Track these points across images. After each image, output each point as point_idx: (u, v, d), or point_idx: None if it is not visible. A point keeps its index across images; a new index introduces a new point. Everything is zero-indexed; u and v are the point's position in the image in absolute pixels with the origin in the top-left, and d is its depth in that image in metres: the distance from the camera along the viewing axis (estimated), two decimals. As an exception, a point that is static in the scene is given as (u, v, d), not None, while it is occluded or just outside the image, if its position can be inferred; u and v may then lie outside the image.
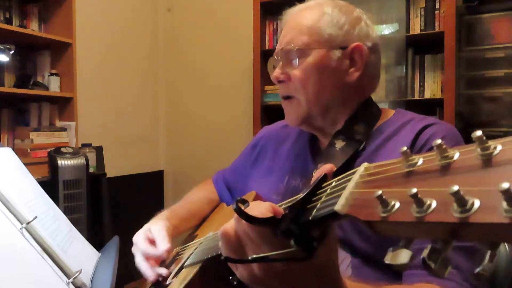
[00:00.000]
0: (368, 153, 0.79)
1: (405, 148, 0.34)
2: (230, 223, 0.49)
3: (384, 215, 0.31)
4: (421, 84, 2.29)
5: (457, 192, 0.26)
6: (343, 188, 0.38)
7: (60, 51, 2.49)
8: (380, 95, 2.25)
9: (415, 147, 0.75)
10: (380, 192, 0.31)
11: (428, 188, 0.29)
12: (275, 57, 0.87)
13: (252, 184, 0.97)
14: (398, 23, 2.27)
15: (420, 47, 2.29)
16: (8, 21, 2.34)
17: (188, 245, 0.95)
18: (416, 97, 2.29)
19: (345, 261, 0.72)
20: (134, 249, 0.92)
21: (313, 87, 0.82)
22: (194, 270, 0.74)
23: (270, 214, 0.43)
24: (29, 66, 2.53)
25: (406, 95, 2.29)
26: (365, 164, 0.39)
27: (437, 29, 2.19)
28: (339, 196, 0.37)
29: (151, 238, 0.91)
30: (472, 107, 2.19)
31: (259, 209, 0.45)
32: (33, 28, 2.46)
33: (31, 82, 2.39)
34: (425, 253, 0.30)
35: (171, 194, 3.33)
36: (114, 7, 2.98)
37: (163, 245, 0.88)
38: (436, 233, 0.29)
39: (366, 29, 0.85)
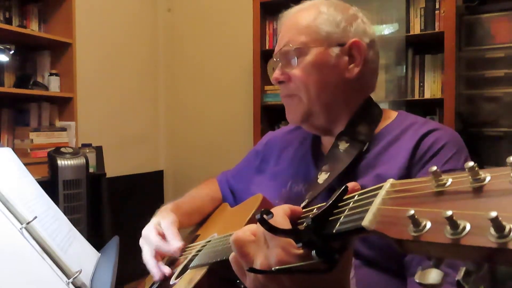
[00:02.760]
0: (371, 157, 0.79)
1: (434, 167, 0.34)
2: (242, 231, 0.49)
3: (415, 234, 0.31)
4: (421, 84, 2.29)
5: (495, 218, 0.26)
6: (369, 203, 0.37)
7: (60, 51, 2.50)
8: (380, 95, 2.25)
9: (417, 152, 0.75)
10: (412, 211, 0.31)
11: (460, 210, 0.29)
12: (274, 59, 0.88)
13: (255, 188, 0.96)
14: (398, 23, 2.27)
15: (420, 47, 2.29)
16: (8, 21, 2.34)
17: (190, 246, 0.95)
18: (416, 97, 2.29)
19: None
20: (142, 242, 0.90)
21: (314, 85, 0.82)
22: (201, 272, 0.73)
23: (288, 222, 0.45)
24: (29, 66, 2.53)
25: (406, 95, 2.29)
26: (391, 180, 0.39)
27: (437, 29, 2.19)
28: (365, 211, 0.37)
29: (161, 232, 0.89)
30: (472, 107, 2.19)
31: (280, 218, 0.46)
32: (33, 28, 2.46)
33: (31, 82, 2.39)
34: (459, 275, 0.30)
35: (171, 194, 3.32)
36: (114, 7, 2.98)
37: (175, 242, 0.85)
38: (470, 256, 0.29)
39: (363, 26, 0.85)
